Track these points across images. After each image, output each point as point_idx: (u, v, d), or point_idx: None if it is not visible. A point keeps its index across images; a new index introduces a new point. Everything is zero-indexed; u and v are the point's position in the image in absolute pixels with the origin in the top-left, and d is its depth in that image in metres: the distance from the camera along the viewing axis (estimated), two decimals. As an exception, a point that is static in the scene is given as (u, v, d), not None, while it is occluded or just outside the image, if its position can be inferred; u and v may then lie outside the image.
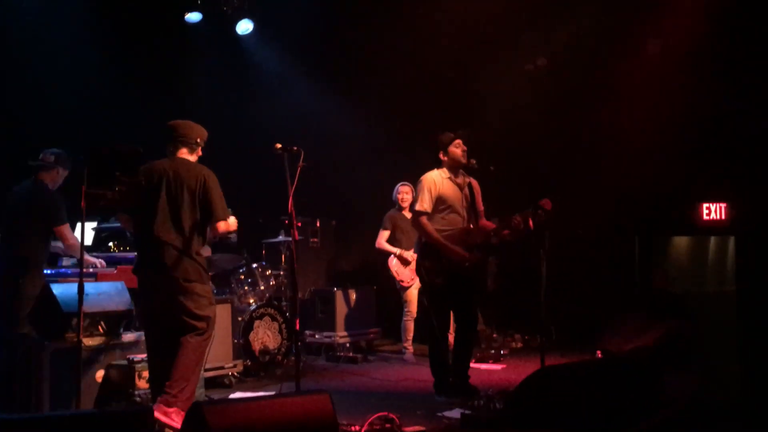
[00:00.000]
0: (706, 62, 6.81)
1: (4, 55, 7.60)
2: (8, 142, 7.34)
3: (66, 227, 5.33)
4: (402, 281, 7.19)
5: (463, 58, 8.04)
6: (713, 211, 6.21)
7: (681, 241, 6.56)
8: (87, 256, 5.53)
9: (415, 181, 5.63)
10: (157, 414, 4.15)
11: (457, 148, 5.47)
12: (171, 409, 4.25)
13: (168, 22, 8.76)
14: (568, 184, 7.52)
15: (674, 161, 6.89)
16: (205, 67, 9.16)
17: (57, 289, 5.08)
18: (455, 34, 7.99)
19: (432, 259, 5.40)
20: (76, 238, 5.30)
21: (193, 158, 4.69)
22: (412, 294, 7.19)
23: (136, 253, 4.83)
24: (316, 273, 8.42)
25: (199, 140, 4.69)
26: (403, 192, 7.30)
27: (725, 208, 6.05)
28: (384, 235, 7.31)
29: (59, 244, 5.52)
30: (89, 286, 4.87)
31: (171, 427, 4.21)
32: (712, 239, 6.33)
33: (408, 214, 7.21)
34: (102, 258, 5.93)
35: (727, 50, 6.69)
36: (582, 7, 7.45)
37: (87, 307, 4.41)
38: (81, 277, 4.05)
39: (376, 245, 7.33)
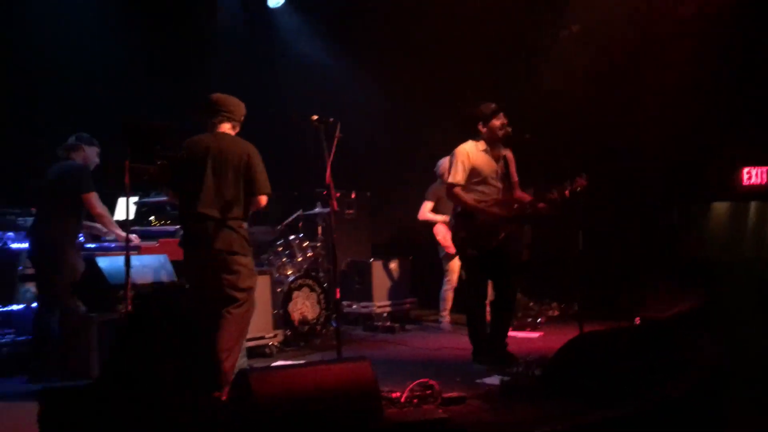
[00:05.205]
0: (744, 23, 6.63)
1: (33, 38, 7.67)
2: (42, 125, 7.44)
3: (93, 195, 5.34)
4: (448, 248, 7.13)
5: (501, 26, 7.92)
6: (754, 175, 6.10)
7: (721, 207, 6.48)
8: (120, 231, 5.48)
9: (450, 152, 5.59)
10: None
11: (498, 121, 5.39)
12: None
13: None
14: (607, 151, 7.43)
15: (714, 125, 6.75)
16: (237, 40, 9.19)
17: (102, 262, 5.21)
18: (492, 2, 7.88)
19: (467, 230, 5.39)
20: (104, 208, 5.39)
21: (233, 133, 4.68)
22: (456, 264, 7.18)
23: (180, 227, 4.85)
24: (352, 244, 8.46)
25: (242, 118, 4.70)
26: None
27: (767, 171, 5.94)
28: (427, 206, 7.30)
29: (98, 225, 5.57)
30: (134, 259, 4.93)
31: None
32: (753, 205, 6.23)
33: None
34: (143, 232, 6.04)
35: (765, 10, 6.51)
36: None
37: (132, 280, 4.51)
38: (127, 250, 4.14)
39: (419, 217, 7.32)
